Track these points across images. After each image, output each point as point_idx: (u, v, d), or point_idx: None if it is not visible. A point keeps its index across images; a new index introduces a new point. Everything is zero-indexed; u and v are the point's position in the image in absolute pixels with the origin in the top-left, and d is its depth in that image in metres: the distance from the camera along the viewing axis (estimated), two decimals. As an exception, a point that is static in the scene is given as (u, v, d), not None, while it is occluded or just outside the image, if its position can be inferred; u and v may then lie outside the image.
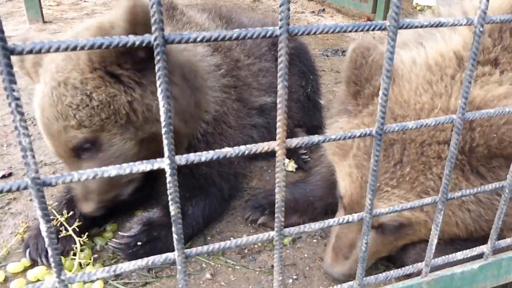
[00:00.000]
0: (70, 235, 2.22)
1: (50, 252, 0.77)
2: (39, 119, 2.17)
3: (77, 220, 2.27)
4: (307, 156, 3.21)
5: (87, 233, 2.28)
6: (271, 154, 3.32)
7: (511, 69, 1.85)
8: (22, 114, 0.63)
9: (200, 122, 2.53)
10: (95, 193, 2.25)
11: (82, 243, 2.22)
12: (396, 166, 1.78)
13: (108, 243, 2.27)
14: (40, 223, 0.73)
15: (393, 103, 1.87)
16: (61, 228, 2.22)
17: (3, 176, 3.03)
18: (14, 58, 2.16)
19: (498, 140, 1.60)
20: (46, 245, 0.76)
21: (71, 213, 2.29)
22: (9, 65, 0.60)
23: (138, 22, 1.91)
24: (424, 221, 1.83)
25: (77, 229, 2.24)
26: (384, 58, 0.86)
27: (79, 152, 2.17)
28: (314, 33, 0.82)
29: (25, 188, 0.69)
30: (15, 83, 0.61)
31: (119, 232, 2.28)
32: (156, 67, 0.73)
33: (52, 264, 0.79)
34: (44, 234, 0.74)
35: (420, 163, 1.75)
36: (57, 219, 2.25)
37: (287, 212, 2.53)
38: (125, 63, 2.07)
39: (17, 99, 0.61)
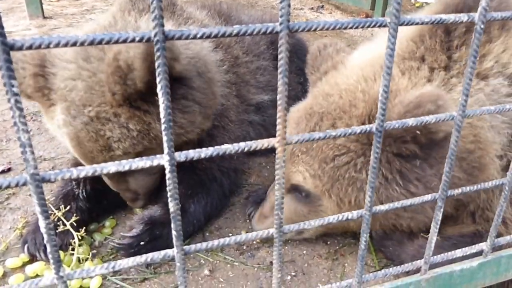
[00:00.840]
0: (68, 230, 2.22)
1: (48, 248, 0.77)
2: (76, 150, 2.16)
3: (75, 214, 2.28)
4: None
5: (84, 228, 2.28)
6: (270, 151, 3.35)
7: (439, 68, 1.92)
8: (21, 110, 0.62)
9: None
10: (143, 194, 2.45)
11: (80, 237, 2.22)
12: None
13: (110, 243, 2.27)
14: (39, 219, 0.72)
15: (327, 86, 2.08)
16: (58, 223, 2.22)
17: (2, 171, 3.02)
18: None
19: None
20: (45, 241, 0.75)
21: (68, 207, 2.29)
22: (9, 61, 0.59)
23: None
24: (328, 196, 1.97)
25: (75, 224, 2.24)
26: (385, 55, 0.86)
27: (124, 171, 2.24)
28: (315, 29, 0.82)
29: (24, 184, 0.68)
30: (14, 78, 0.61)
31: (121, 233, 2.28)
32: (156, 64, 0.73)
33: (51, 261, 0.78)
34: (43, 230, 0.73)
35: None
36: (55, 214, 2.24)
37: None
38: (149, 96, 2.05)
39: (16, 94, 0.61)
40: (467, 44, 1.91)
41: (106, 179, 2.41)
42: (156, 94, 2.17)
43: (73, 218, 2.24)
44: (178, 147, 2.22)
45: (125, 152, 2.12)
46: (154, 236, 2.25)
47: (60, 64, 2.11)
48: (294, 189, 2.12)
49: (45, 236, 0.74)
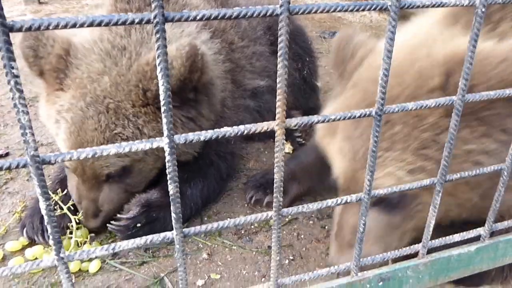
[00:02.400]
0: (65, 214, 2.23)
1: (49, 230, 0.77)
2: (72, 136, 2.14)
3: (72, 199, 2.28)
4: (301, 139, 3.22)
5: (82, 211, 2.29)
6: (268, 136, 3.34)
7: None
8: (21, 91, 0.62)
9: None
10: (105, 212, 2.31)
11: (77, 221, 2.23)
12: (385, 125, 1.62)
13: (108, 225, 2.28)
14: (39, 200, 0.73)
15: (367, 71, 1.82)
16: (55, 207, 2.23)
17: (0, 156, 3.02)
18: (27, 53, 2.13)
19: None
20: (46, 223, 0.76)
21: (65, 191, 2.30)
22: (8, 42, 0.59)
23: (195, 69, 2.06)
24: (431, 188, 1.67)
25: (72, 208, 2.25)
26: (385, 38, 0.85)
27: (109, 177, 2.24)
28: (315, 11, 0.81)
29: (25, 166, 0.69)
30: (14, 60, 0.60)
31: (118, 214, 2.28)
32: (156, 45, 0.72)
33: (51, 242, 0.79)
34: (43, 211, 0.74)
35: (413, 115, 1.58)
36: (52, 198, 2.25)
37: (286, 183, 2.50)
38: (174, 101, 2.08)
39: (16, 76, 0.60)
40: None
41: (73, 184, 2.29)
42: (182, 102, 2.19)
43: (70, 202, 2.25)
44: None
45: (123, 154, 2.14)
46: (151, 219, 2.27)
47: (84, 60, 2.17)
48: (380, 200, 1.72)
49: (45, 217, 0.75)
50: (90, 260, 2.15)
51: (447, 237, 1.29)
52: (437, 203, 1.13)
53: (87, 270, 2.12)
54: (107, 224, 2.28)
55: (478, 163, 1.56)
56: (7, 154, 3.06)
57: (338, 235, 1.83)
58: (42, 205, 0.72)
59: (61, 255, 0.81)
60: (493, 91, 1.08)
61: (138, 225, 2.23)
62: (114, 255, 2.23)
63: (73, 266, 2.10)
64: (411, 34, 1.95)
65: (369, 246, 1.72)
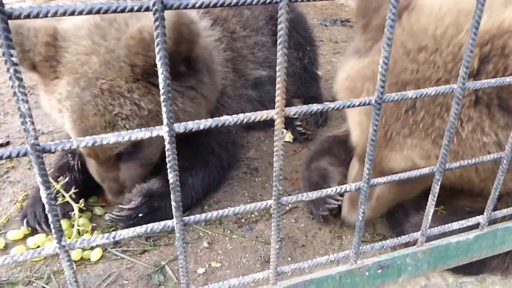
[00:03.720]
0: (67, 202, 2.24)
1: (50, 218, 0.78)
2: (76, 125, 2.13)
3: (74, 187, 2.29)
4: (302, 128, 3.22)
5: (82, 200, 2.29)
6: (268, 124, 3.34)
7: None
8: (20, 79, 0.62)
9: None
10: (129, 188, 2.36)
11: (79, 209, 2.24)
12: (408, 112, 1.60)
13: (109, 215, 2.29)
14: (40, 189, 0.73)
15: (407, 35, 1.62)
16: (57, 196, 2.23)
17: (1, 145, 3.03)
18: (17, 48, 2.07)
19: None
20: (46, 211, 0.76)
21: (67, 179, 2.30)
22: (7, 30, 0.59)
23: (182, 41, 1.98)
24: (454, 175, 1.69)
25: (74, 196, 2.25)
26: (386, 25, 0.85)
27: (121, 155, 2.25)
28: (315, -1, 0.81)
29: (25, 154, 0.69)
30: (13, 48, 0.60)
31: (119, 205, 2.29)
32: (155, 33, 0.72)
33: (53, 230, 0.79)
34: (44, 200, 0.74)
35: (437, 105, 1.55)
36: (54, 186, 2.26)
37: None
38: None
39: (16, 64, 0.60)
40: None
41: (93, 167, 2.34)
42: (175, 76, 2.09)
43: (72, 190, 2.25)
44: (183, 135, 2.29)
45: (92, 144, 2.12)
46: (152, 208, 2.28)
47: (72, 39, 2.12)
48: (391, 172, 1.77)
49: (46, 206, 0.75)
50: (92, 248, 2.16)
51: (446, 225, 1.30)
52: (436, 191, 1.13)
53: (89, 259, 2.13)
54: (108, 214, 2.29)
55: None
56: (7, 143, 3.06)
57: (351, 196, 1.95)
58: (43, 193, 0.72)
59: (63, 243, 0.82)
60: (494, 79, 1.07)
61: (140, 215, 2.24)
62: (116, 243, 2.24)
63: (75, 255, 2.12)
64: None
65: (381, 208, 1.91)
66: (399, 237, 1.26)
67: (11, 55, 0.60)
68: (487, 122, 1.53)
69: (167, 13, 2.01)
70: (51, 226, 0.78)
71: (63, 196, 2.23)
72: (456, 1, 1.60)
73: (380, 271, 1.31)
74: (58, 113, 2.19)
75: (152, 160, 2.40)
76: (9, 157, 0.68)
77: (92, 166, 2.35)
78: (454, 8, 1.57)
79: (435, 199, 1.16)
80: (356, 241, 1.19)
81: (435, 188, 1.13)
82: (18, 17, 0.61)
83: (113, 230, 2.30)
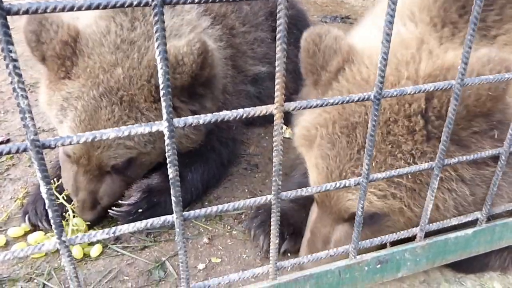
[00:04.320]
0: (61, 203, 2.23)
1: (50, 214, 0.78)
2: (82, 125, 2.13)
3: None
4: None
5: (75, 200, 2.28)
6: (269, 120, 3.30)
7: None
8: (20, 75, 0.62)
9: None
10: (104, 204, 2.30)
11: (73, 210, 2.23)
12: (360, 151, 1.62)
13: (109, 211, 2.29)
14: (40, 185, 0.73)
15: (352, 84, 1.72)
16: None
17: (1, 143, 3.02)
18: (30, 37, 2.09)
19: (475, 97, 1.41)
20: (47, 207, 0.76)
21: (60, 180, 2.30)
22: (6, 26, 0.59)
23: (205, 66, 2.10)
24: (399, 208, 1.62)
25: (65, 198, 2.25)
26: (384, 21, 0.85)
27: (114, 168, 2.24)
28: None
29: (25, 150, 0.69)
30: (12, 44, 0.60)
31: (119, 201, 2.29)
32: (154, 28, 0.72)
33: (53, 226, 0.80)
34: (44, 195, 0.74)
35: (387, 143, 1.57)
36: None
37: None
38: (183, 96, 2.19)
39: (15, 60, 0.61)
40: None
41: (72, 175, 2.25)
42: (190, 97, 2.24)
43: (66, 191, 2.25)
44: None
45: (134, 146, 2.17)
46: (152, 204, 2.28)
47: (96, 49, 2.15)
48: (350, 218, 1.74)
49: (46, 201, 0.75)
50: (92, 244, 2.17)
51: (445, 221, 1.30)
52: (435, 187, 1.14)
53: (89, 255, 2.14)
54: (109, 210, 2.29)
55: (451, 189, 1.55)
56: (8, 141, 3.06)
57: (310, 241, 1.88)
58: (43, 189, 0.73)
59: (63, 238, 0.82)
60: (493, 75, 1.07)
61: (140, 210, 2.24)
62: (116, 240, 2.25)
63: (77, 253, 2.12)
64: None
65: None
66: (398, 233, 1.27)
67: (10, 51, 0.60)
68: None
69: (191, 40, 2.05)
70: (51, 221, 0.78)
71: (57, 198, 2.22)
72: (395, 51, 1.67)
73: (379, 266, 1.32)
74: (60, 110, 2.18)
75: (135, 178, 2.39)
76: (9, 153, 0.68)
77: (69, 174, 2.27)
78: (393, 59, 1.65)
79: (434, 195, 1.16)
80: (356, 236, 1.20)
81: (434, 184, 1.13)
82: (17, 12, 0.61)
83: (114, 226, 2.31)
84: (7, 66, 0.61)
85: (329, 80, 1.83)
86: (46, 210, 2.22)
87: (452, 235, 1.37)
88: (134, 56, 2.15)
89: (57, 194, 2.22)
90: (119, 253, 2.17)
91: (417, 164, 1.44)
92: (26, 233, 2.25)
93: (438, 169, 1.11)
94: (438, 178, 1.12)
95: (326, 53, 1.81)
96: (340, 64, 1.79)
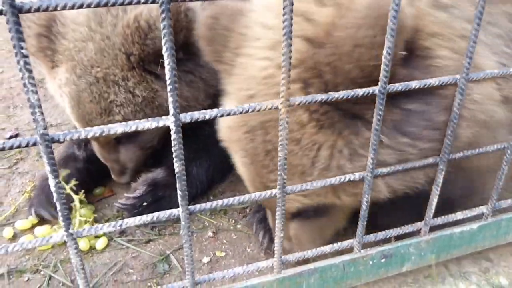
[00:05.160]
0: (68, 193, 2.26)
1: (58, 207, 0.79)
2: (74, 111, 2.16)
3: (75, 178, 2.31)
4: None
5: (83, 191, 2.30)
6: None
7: None
8: (30, 71, 0.63)
9: None
10: (130, 169, 2.42)
11: (80, 200, 2.25)
12: (274, 156, 1.45)
13: (115, 204, 2.31)
14: (48, 178, 0.75)
15: (252, 58, 1.56)
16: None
17: (10, 137, 3.05)
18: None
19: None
20: (55, 199, 0.78)
21: (67, 171, 2.33)
22: (18, 23, 0.60)
23: (180, 28, 1.99)
24: (332, 203, 1.52)
25: (74, 188, 2.27)
26: (389, 16, 0.85)
27: (119, 139, 2.29)
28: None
29: (34, 144, 0.70)
30: (23, 41, 0.61)
31: (125, 194, 2.32)
32: (161, 25, 0.73)
33: (61, 218, 0.81)
34: (52, 189, 0.76)
35: (291, 141, 1.37)
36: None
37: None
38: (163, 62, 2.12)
39: (26, 56, 0.62)
40: None
41: (96, 148, 2.41)
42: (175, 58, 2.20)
43: (73, 182, 2.27)
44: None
45: (125, 119, 2.14)
46: (157, 198, 2.30)
47: (70, 26, 2.11)
48: (296, 215, 1.69)
49: (54, 194, 0.77)
50: (98, 237, 2.19)
51: (450, 215, 1.31)
52: (440, 181, 1.14)
53: (94, 247, 2.16)
54: (114, 203, 2.31)
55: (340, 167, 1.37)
56: (17, 135, 3.09)
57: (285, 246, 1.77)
58: (52, 182, 0.74)
59: (70, 231, 0.84)
60: (497, 70, 1.07)
61: (145, 204, 2.26)
62: (121, 233, 2.27)
63: (84, 245, 2.14)
64: None
65: (307, 247, 1.58)
66: (402, 227, 1.27)
67: (22, 48, 0.61)
68: (340, 142, 1.38)
69: (157, 6, 1.98)
70: (59, 214, 0.80)
71: (64, 189, 2.25)
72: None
73: (383, 260, 1.32)
74: (60, 97, 2.22)
75: (151, 143, 2.43)
76: (19, 146, 0.69)
77: (96, 148, 2.41)
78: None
79: (439, 189, 1.17)
80: (360, 230, 1.21)
81: (439, 178, 1.13)
82: (28, 11, 0.62)
83: (119, 219, 2.33)
84: (18, 62, 0.62)
85: (232, 58, 1.67)
86: (52, 201, 2.28)
87: (457, 229, 1.38)
88: (108, 21, 2.09)
89: (64, 185, 2.24)
90: (124, 246, 2.19)
91: (317, 159, 1.32)
92: (33, 226, 2.28)
93: (442, 163, 1.11)
94: (443, 173, 1.12)
95: (224, 35, 1.66)
96: (238, 41, 1.63)
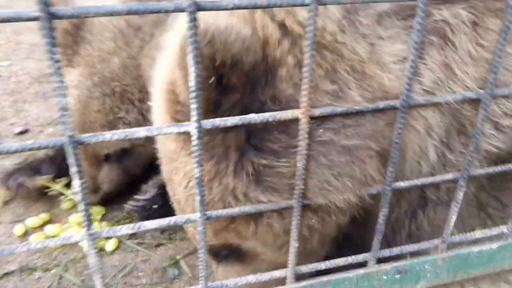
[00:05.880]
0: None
1: (82, 207, 0.81)
2: (76, 112, 2.18)
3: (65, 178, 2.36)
4: None
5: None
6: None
7: None
8: (61, 75, 0.65)
9: None
10: (104, 190, 2.40)
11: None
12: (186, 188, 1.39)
13: (125, 206, 2.33)
14: (74, 179, 0.76)
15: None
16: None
17: (21, 132, 3.08)
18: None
19: None
20: (79, 200, 0.79)
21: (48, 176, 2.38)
22: (51, 29, 0.62)
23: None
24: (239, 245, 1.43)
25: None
26: (413, 30, 0.86)
27: (108, 157, 2.29)
28: (345, 3, 0.82)
29: (61, 145, 0.72)
30: (56, 46, 0.63)
31: (135, 196, 2.34)
32: (188, 33, 0.74)
33: (83, 218, 0.83)
34: (77, 189, 0.77)
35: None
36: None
37: None
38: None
39: (58, 61, 0.64)
40: None
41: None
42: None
43: (65, 181, 2.31)
44: None
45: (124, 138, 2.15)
46: (167, 200, 2.31)
47: (98, 36, 2.15)
48: (221, 258, 1.56)
49: (79, 195, 0.78)
50: (108, 239, 2.21)
51: (468, 233, 1.29)
52: (460, 198, 1.13)
53: (104, 249, 2.18)
54: (125, 205, 2.33)
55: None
56: (26, 131, 3.09)
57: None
58: (77, 183, 0.76)
59: (91, 231, 0.85)
60: (521, 87, 1.06)
61: (155, 206, 2.27)
62: (131, 235, 2.28)
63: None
64: None
65: None
66: (418, 243, 1.26)
67: (54, 53, 0.63)
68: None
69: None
70: (82, 214, 0.81)
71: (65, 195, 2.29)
72: None
73: (398, 276, 1.31)
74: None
75: (135, 171, 2.43)
76: (47, 147, 0.71)
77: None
78: None
79: (459, 206, 1.16)
80: (376, 244, 1.20)
81: (459, 195, 1.12)
82: (62, 17, 0.64)
83: (130, 221, 2.35)
84: (50, 66, 0.64)
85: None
86: (22, 181, 2.32)
87: (475, 248, 1.35)
88: (135, 43, 2.12)
89: (52, 184, 2.30)
90: (134, 249, 2.20)
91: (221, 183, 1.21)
92: (43, 224, 2.31)
93: (463, 180, 1.10)
94: (463, 190, 1.11)
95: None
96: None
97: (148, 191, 2.32)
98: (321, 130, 1.10)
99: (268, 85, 1.12)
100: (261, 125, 1.13)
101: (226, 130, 1.12)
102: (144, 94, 2.12)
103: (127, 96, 2.12)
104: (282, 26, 1.12)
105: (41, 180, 2.31)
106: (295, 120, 0.91)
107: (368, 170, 1.16)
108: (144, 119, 2.14)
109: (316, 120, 1.09)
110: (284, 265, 1.20)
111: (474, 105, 1.23)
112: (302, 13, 1.08)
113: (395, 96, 1.08)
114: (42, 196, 2.43)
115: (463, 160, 1.33)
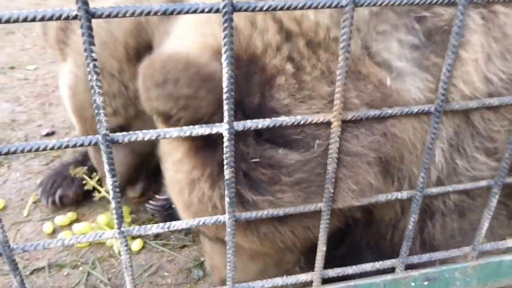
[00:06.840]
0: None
1: (113, 205, 0.82)
2: (70, 101, 2.22)
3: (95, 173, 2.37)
4: None
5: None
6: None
7: None
8: (98, 74, 0.66)
9: None
10: (120, 174, 2.35)
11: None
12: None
13: (146, 205, 2.35)
14: (106, 177, 0.77)
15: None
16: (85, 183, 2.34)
17: (47, 134, 3.14)
18: (39, 31, 2.28)
19: None
20: (111, 198, 0.80)
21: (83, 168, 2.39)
22: (90, 28, 0.63)
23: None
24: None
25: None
26: (452, 32, 0.84)
27: None
28: (381, 3, 0.81)
29: (96, 143, 0.73)
30: (94, 44, 0.64)
31: (156, 195, 2.35)
32: (223, 34, 0.74)
33: (115, 216, 0.84)
34: (109, 187, 0.78)
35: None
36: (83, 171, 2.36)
37: None
38: None
39: (95, 60, 0.64)
40: None
41: (89, 150, 2.43)
42: None
43: (96, 177, 2.33)
44: None
45: (115, 111, 2.17)
46: None
47: None
48: (215, 240, 1.60)
49: (111, 193, 0.79)
50: (134, 239, 2.23)
51: (500, 242, 1.26)
52: (493, 205, 1.10)
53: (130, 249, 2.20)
54: (146, 204, 2.35)
55: None
56: (53, 133, 3.15)
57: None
58: (109, 181, 0.76)
59: (122, 229, 0.86)
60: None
61: (174, 205, 2.27)
62: (156, 237, 2.30)
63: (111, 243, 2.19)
64: None
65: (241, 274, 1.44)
66: (449, 250, 1.23)
67: (92, 51, 0.64)
68: None
69: None
70: (114, 212, 0.82)
71: (99, 191, 2.31)
72: None
73: (426, 283, 1.28)
74: (63, 91, 2.30)
75: (143, 150, 2.38)
76: (82, 145, 0.72)
77: (90, 149, 2.42)
78: None
79: (491, 214, 1.13)
80: (404, 251, 1.18)
81: (492, 202, 1.09)
82: (100, 16, 0.65)
83: (154, 223, 2.36)
84: (88, 64, 0.65)
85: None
86: (54, 188, 2.39)
87: (507, 257, 1.32)
88: (115, 22, 2.13)
89: (98, 188, 2.31)
90: (159, 250, 2.22)
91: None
92: (71, 222, 2.35)
93: (497, 187, 1.08)
94: (497, 197, 1.09)
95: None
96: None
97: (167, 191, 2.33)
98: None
99: (266, 95, 1.10)
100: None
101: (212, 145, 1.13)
102: (122, 64, 2.12)
103: (107, 70, 2.12)
104: (281, 26, 1.11)
105: (81, 171, 2.34)
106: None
107: (367, 177, 1.13)
108: (126, 89, 2.14)
109: (317, 127, 1.08)
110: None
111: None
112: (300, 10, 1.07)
113: (398, 97, 1.06)
114: (87, 201, 2.50)
115: (478, 166, 1.26)
